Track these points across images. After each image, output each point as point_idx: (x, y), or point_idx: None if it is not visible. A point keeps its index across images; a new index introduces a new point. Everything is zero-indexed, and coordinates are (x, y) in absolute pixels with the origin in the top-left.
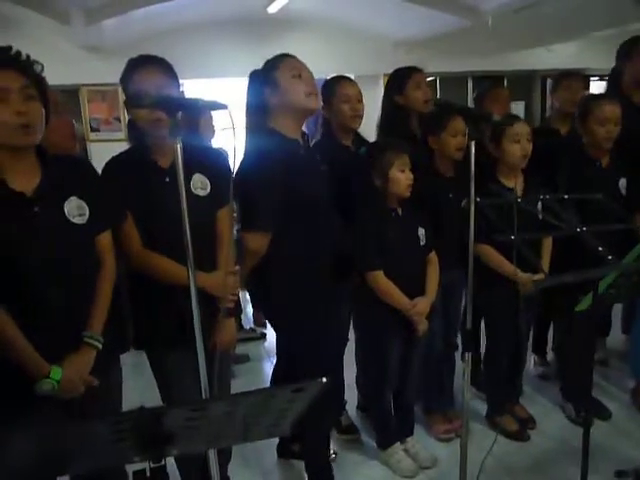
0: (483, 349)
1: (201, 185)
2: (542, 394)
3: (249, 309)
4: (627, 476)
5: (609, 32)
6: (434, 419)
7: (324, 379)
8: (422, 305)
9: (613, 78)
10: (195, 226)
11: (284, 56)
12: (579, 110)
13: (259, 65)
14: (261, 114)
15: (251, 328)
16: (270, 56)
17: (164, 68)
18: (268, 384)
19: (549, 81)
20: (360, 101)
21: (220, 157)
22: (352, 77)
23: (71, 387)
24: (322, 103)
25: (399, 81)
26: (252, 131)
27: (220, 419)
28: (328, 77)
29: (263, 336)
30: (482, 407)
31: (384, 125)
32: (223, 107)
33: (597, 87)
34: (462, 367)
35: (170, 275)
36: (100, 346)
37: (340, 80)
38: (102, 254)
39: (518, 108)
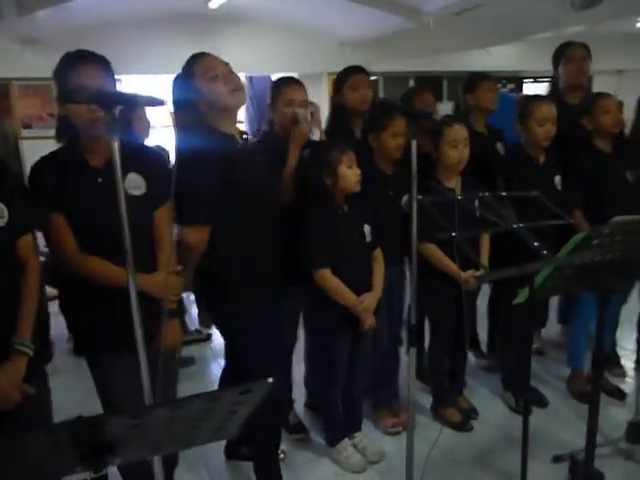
0: (426, 343)
1: (136, 185)
2: (484, 385)
3: (194, 310)
4: (564, 460)
5: (545, 36)
6: (381, 414)
7: (270, 379)
8: (369, 301)
9: (552, 81)
10: (131, 227)
11: (197, 58)
12: (519, 111)
13: None
14: (193, 113)
15: (196, 330)
16: (212, 52)
17: (101, 64)
18: (215, 387)
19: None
20: (305, 106)
21: (156, 155)
22: (296, 76)
23: (5, 397)
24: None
25: (339, 82)
26: (185, 128)
27: (164, 425)
28: (272, 75)
29: (209, 337)
30: (427, 400)
31: (328, 125)
32: (160, 103)
33: (532, 89)
34: (407, 361)
35: (108, 278)
36: (31, 353)
37: (288, 82)
38: (25, 257)
39: (449, 108)
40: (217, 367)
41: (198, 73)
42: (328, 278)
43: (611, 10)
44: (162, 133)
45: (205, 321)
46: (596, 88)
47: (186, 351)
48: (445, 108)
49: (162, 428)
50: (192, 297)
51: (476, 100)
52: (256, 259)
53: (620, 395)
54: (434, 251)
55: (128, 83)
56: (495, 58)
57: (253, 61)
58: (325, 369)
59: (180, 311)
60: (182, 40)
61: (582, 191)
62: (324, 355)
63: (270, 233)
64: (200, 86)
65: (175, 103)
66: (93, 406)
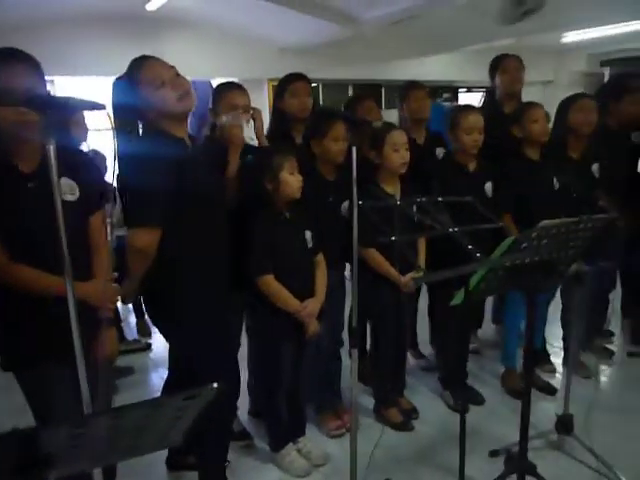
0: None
1: (69, 190)
2: (423, 385)
3: (132, 319)
4: (500, 454)
5: (477, 47)
6: (324, 417)
7: (215, 385)
8: (312, 306)
9: (490, 91)
10: (67, 233)
11: (141, 63)
12: (449, 120)
13: None
14: (138, 118)
15: (135, 339)
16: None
17: (31, 64)
18: (156, 396)
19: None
20: (248, 111)
21: (88, 160)
22: (236, 81)
23: None
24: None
25: (279, 88)
26: (130, 133)
27: (106, 434)
28: (212, 80)
29: (148, 346)
30: (369, 401)
31: (270, 130)
32: (101, 107)
33: (466, 98)
34: (349, 364)
35: (42, 287)
36: None
37: (231, 87)
38: None
39: (395, 115)
40: (157, 377)
41: (143, 81)
42: (271, 284)
43: (537, 24)
44: (100, 137)
45: (144, 330)
46: (524, 98)
47: (125, 360)
48: (390, 115)
49: (104, 438)
50: (129, 306)
51: (407, 109)
52: (207, 264)
53: (550, 390)
54: (375, 256)
55: (61, 85)
56: (430, 68)
57: (193, 65)
58: (269, 375)
59: (117, 319)
60: (119, 42)
61: (511, 196)
62: (268, 361)
63: (220, 237)
64: (146, 94)
65: (118, 108)
66: (26, 424)
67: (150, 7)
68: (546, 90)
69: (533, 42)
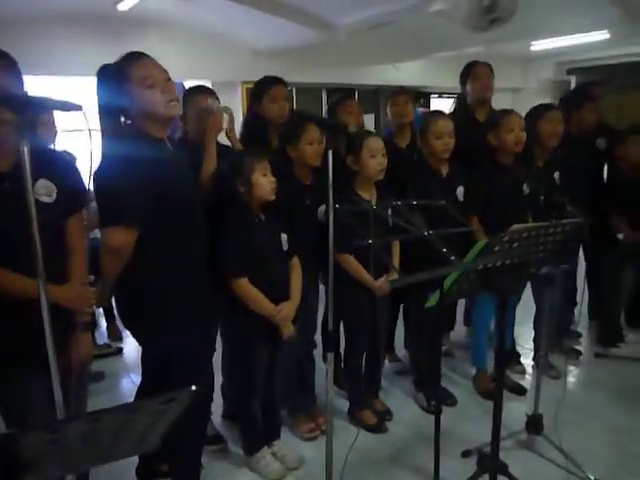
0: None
1: (46, 191)
2: (398, 387)
3: (103, 323)
4: (472, 454)
5: (449, 54)
6: (299, 420)
7: (193, 387)
8: (287, 310)
9: (461, 97)
10: (41, 235)
11: (132, 60)
12: (419, 126)
13: None
14: (123, 117)
15: (106, 344)
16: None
17: (7, 62)
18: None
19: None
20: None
21: (67, 162)
22: (209, 83)
23: None
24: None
25: (257, 91)
26: (110, 133)
27: (83, 439)
28: (184, 82)
29: (120, 351)
30: (343, 404)
31: (244, 134)
32: (77, 108)
33: (437, 104)
34: (324, 366)
35: (15, 290)
36: None
37: (201, 90)
38: None
39: (368, 120)
40: (129, 382)
41: (134, 79)
42: (245, 287)
43: (506, 33)
44: (68, 138)
45: (115, 334)
46: (494, 105)
47: (95, 365)
48: (367, 120)
49: (81, 442)
50: (100, 310)
51: (391, 113)
52: (183, 266)
53: (520, 391)
54: (350, 261)
55: (30, 84)
56: (403, 73)
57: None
58: (243, 379)
59: (92, 324)
60: (90, 42)
61: (480, 199)
62: (242, 364)
63: (197, 239)
64: (135, 93)
65: (102, 106)
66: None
67: (122, 7)
68: (515, 97)
69: (502, 50)
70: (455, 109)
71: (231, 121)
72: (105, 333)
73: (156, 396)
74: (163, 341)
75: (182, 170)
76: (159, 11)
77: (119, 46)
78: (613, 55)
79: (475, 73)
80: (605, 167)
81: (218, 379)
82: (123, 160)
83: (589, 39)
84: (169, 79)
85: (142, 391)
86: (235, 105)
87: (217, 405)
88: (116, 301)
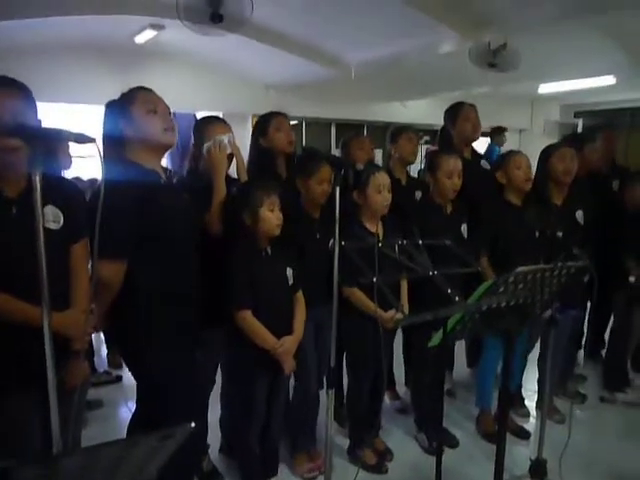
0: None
1: (53, 218)
2: (398, 426)
3: (103, 350)
4: None
5: (455, 94)
6: (299, 458)
7: (192, 424)
8: (289, 344)
9: (444, 137)
10: (46, 263)
11: (139, 89)
12: (428, 163)
13: None
14: (118, 145)
15: (105, 371)
16: (135, 86)
17: (21, 91)
18: (124, 432)
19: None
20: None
21: (75, 189)
22: (220, 115)
23: None
24: (193, 140)
25: (262, 124)
26: (109, 161)
27: (76, 475)
28: (196, 113)
29: (119, 379)
30: (344, 442)
31: (251, 166)
32: (91, 140)
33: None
34: (326, 404)
35: (17, 316)
36: None
37: (213, 121)
38: None
39: (377, 155)
40: (127, 410)
41: (136, 103)
42: (249, 320)
43: (514, 75)
44: (83, 165)
45: (115, 362)
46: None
47: (94, 393)
48: (376, 155)
49: (75, 477)
50: (102, 337)
51: (398, 150)
52: (174, 297)
53: (524, 434)
54: (358, 295)
55: (46, 111)
56: (411, 111)
57: (178, 97)
58: (242, 412)
59: (91, 351)
60: (107, 72)
61: (488, 238)
62: (241, 397)
63: (190, 271)
64: (136, 115)
65: (104, 132)
66: None
67: (139, 40)
68: (522, 137)
69: (510, 91)
70: (440, 147)
71: (239, 156)
72: (105, 360)
73: (153, 432)
74: (151, 371)
75: (177, 201)
76: (174, 44)
77: (135, 77)
78: (619, 99)
79: (466, 115)
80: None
81: (216, 411)
82: (114, 190)
83: (595, 83)
84: (170, 113)
85: (134, 420)
86: (245, 137)
87: (215, 439)
88: (108, 330)
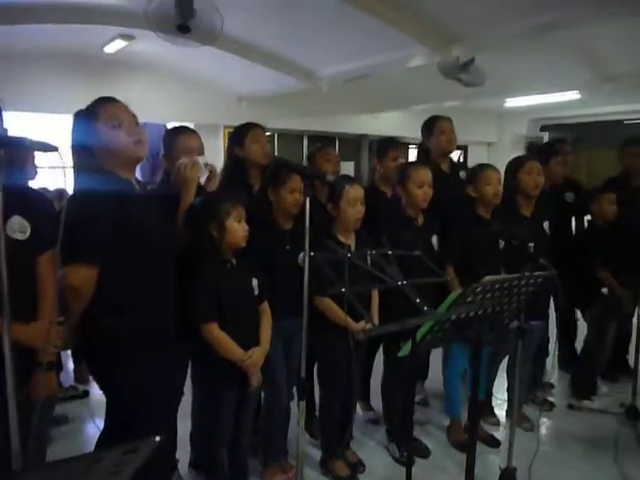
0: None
1: (20, 228)
2: (371, 437)
3: (70, 364)
4: None
5: (426, 107)
6: (270, 470)
7: (157, 438)
8: (256, 356)
9: (422, 150)
10: (13, 273)
11: (103, 101)
12: (399, 175)
13: None
14: (89, 155)
15: (71, 386)
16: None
17: None
18: (91, 449)
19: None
20: (202, 153)
21: (42, 199)
22: (192, 126)
23: None
24: (163, 152)
25: (239, 135)
26: (80, 170)
27: None
28: (167, 124)
29: (85, 394)
30: (316, 453)
31: (225, 176)
32: (54, 149)
33: (414, 153)
34: (297, 415)
35: None
36: None
37: (183, 131)
38: None
39: (348, 168)
40: (93, 426)
41: (101, 118)
42: (215, 332)
43: (481, 90)
44: (49, 175)
45: (81, 376)
46: (470, 158)
47: (60, 409)
48: (344, 167)
49: None
50: (68, 350)
51: (382, 167)
52: (147, 309)
53: (494, 443)
54: (330, 304)
55: (12, 120)
56: (383, 123)
57: (149, 108)
58: (210, 425)
59: (58, 366)
60: (76, 81)
61: (457, 249)
62: (210, 411)
63: (163, 282)
64: (102, 131)
65: (73, 145)
66: None
67: (109, 49)
68: (490, 150)
69: (478, 105)
70: (418, 160)
71: (210, 178)
72: (72, 375)
73: (117, 446)
74: (121, 386)
75: (149, 210)
76: (145, 55)
77: (106, 87)
78: (584, 114)
79: (441, 128)
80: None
81: (187, 426)
82: (86, 197)
83: (561, 98)
84: (137, 123)
85: (103, 437)
86: (217, 148)
87: (185, 453)
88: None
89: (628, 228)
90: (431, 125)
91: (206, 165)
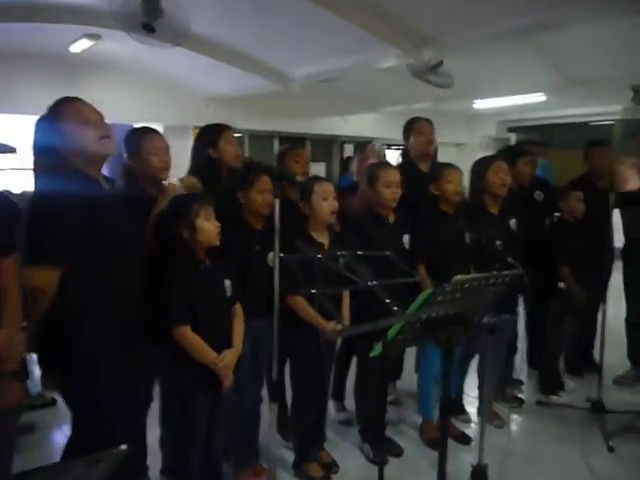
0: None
1: None
2: (343, 438)
3: (37, 371)
4: None
5: (396, 109)
6: (243, 474)
7: (123, 446)
8: (229, 358)
9: (405, 150)
10: None
11: (67, 100)
12: (368, 175)
13: None
14: (54, 156)
15: (39, 393)
16: (74, 96)
17: None
18: (59, 458)
19: (346, 146)
20: (168, 153)
21: (6, 201)
22: (161, 127)
23: None
24: (125, 153)
25: (212, 136)
26: (45, 172)
27: None
28: (135, 124)
29: (53, 402)
30: (289, 455)
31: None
32: (11, 150)
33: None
34: (268, 418)
35: None
36: None
37: (149, 131)
38: None
39: (320, 169)
40: (61, 435)
41: (66, 116)
42: (187, 335)
43: (450, 92)
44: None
45: (49, 383)
46: (440, 158)
47: (26, 417)
48: (314, 168)
49: None
50: (34, 357)
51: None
52: (112, 312)
53: (466, 440)
54: (302, 303)
55: None
56: (354, 125)
57: (117, 109)
58: (183, 430)
59: (24, 373)
60: (41, 82)
61: (426, 248)
62: (182, 415)
63: (130, 284)
64: (67, 129)
65: (36, 146)
66: None
67: (74, 49)
68: (459, 151)
69: (448, 107)
70: (401, 162)
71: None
72: (39, 382)
73: (84, 456)
74: (86, 393)
75: (118, 210)
76: (112, 55)
77: (71, 87)
78: (550, 116)
79: (418, 129)
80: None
81: (156, 431)
82: (51, 198)
83: (527, 100)
84: (103, 120)
85: (69, 446)
86: (186, 149)
87: (155, 459)
88: (39, 349)
89: (593, 227)
90: (410, 126)
91: (182, 180)
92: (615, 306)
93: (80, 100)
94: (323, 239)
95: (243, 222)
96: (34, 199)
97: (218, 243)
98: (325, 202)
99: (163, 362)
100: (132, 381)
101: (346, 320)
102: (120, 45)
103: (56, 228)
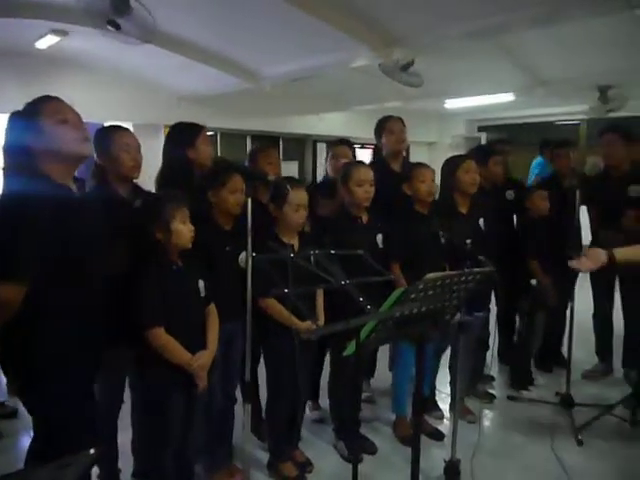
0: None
1: None
2: (318, 437)
3: (2, 378)
4: None
5: (369, 107)
6: (217, 476)
7: (92, 450)
8: (204, 359)
9: (377, 149)
10: None
11: (47, 98)
12: (341, 175)
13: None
14: (25, 156)
15: (4, 401)
16: (40, 93)
17: None
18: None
19: (319, 144)
20: (139, 151)
21: None
22: (131, 126)
23: None
24: (95, 151)
25: (189, 136)
26: (14, 173)
27: None
28: (105, 123)
29: (14, 413)
30: (264, 456)
31: (167, 176)
32: None
33: (360, 153)
34: (241, 419)
35: None
36: None
37: (119, 129)
38: None
39: (292, 168)
40: (28, 440)
41: (45, 113)
42: (161, 336)
43: (421, 91)
44: None
45: (14, 389)
46: (412, 157)
47: None
48: (287, 167)
49: None
50: None
51: (334, 166)
52: (75, 319)
53: (439, 436)
54: (273, 304)
55: None
56: (327, 124)
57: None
58: (156, 432)
59: None
60: (6, 78)
61: (400, 247)
62: (155, 417)
63: (96, 291)
64: (46, 127)
65: (8, 144)
66: None
67: (41, 45)
68: (430, 150)
69: (419, 106)
70: (373, 160)
71: None
72: (5, 389)
73: (53, 461)
74: (45, 393)
75: (87, 218)
76: (80, 52)
77: (37, 85)
78: (519, 115)
79: (389, 128)
80: (514, 216)
81: (128, 434)
82: (19, 206)
83: (496, 100)
84: (81, 121)
85: (32, 452)
86: (157, 148)
87: (127, 462)
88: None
89: (559, 224)
90: (381, 125)
91: None
92: (582, 303)
93: (59, 99)
94: (293, 241)
95: (212, 222)
96: (1, 202)
97: (190, 246)
98: (296, 213)
99: (136, 364)
100: (95, 382)
101: (321, 320)
102: (88, 42)
103: (24, 239)
